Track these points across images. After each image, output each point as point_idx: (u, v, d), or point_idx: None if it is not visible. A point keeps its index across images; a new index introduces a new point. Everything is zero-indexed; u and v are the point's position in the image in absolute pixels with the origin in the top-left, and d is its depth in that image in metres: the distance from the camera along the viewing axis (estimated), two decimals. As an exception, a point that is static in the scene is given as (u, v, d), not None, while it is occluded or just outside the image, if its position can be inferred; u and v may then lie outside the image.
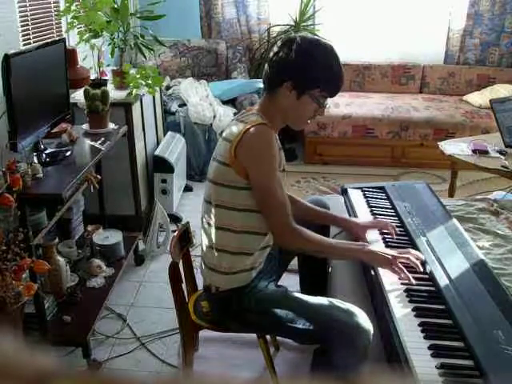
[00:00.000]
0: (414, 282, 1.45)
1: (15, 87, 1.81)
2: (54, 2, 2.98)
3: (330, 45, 1.54)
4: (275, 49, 1.54)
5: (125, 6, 2.84)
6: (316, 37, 1.58)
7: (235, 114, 3.88)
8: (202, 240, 1.65)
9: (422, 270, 1.49)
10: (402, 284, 1.46)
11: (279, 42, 1.56)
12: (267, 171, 1.47)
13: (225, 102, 4.11)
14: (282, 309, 1.51)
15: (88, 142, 2.28)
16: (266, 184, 1.47)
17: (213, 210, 1.56)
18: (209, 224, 1.59)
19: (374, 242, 1.72)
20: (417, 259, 1.51)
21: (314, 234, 1.53)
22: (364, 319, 1.38)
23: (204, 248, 1.63)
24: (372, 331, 1.37)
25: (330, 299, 1.50)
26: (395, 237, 1.74)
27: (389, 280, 1.48)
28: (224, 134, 1.56)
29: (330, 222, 1.83)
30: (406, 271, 1.46)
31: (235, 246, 1.54)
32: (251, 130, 1.46)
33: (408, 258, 1.50)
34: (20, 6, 2.58)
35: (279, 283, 1.72)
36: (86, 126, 2.44)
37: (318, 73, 1.50)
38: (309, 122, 1.61)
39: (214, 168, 1.55)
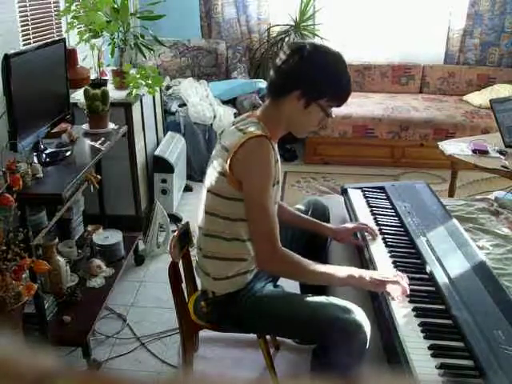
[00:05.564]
0: (400, 304, 1.38)
1: (15, 87, 1.81)
2: (53, 2, 2.98)
3: (339, 53, 1.51)
4: (283, 56, 1.49)
5: (125, 6, 2.84)
6: (325, 45, 1.55)
7: (235, 114, 3.88)
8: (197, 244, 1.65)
9: (405, 300, 1.40)
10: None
11: (286, 48, 1.52)
12: (261, 189, 1.43)
13: (225, 102, 4.10)
14: (279, 309, 1.50)
15: (88, 142, 2.28)
16: (259, 202, 1.43)
17: (206, 217, 1.55)
18: (201, 230, 1.58)
19: (375, 242, 1.73)
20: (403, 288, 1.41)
21: (301, 259, 1.45)
22: (361, 316, 1.37)
23: (198, 253, 1.63)
24: (369, 328, 1.36)
25: (327, 297, 1.49)
26: (378, 237, 1.76)
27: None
28: (222, 142, 1.52)
29: (312, 228, 1.80)
30: (394, 295, 1.39)
31: (228, 252, 1.53)
32: (249, 143, 1.41)
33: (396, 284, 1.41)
34: (20, 6, 2.58)
35: (278, 283, 1.72)
36: (85, 126, 2.44)
37: (328, 83, 1.47)
38: (312, 130, 1.59)
39: (210, 176, 1.52)
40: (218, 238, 1.53)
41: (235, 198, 1.46)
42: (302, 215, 1.82)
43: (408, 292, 1.41)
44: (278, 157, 1.57)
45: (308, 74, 1.46)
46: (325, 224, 1.83)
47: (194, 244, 1.77)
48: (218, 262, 1.55)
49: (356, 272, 1.46)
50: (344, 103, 1.54)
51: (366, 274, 1.46)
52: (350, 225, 1.83)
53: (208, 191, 1.53)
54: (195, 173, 3.83)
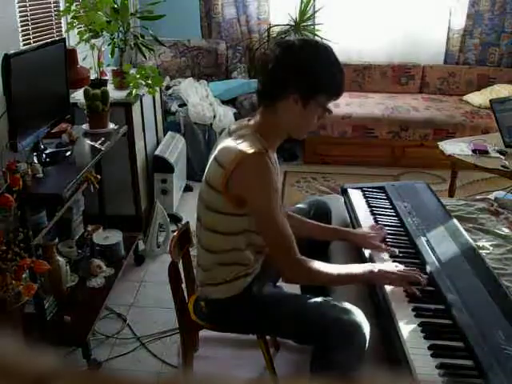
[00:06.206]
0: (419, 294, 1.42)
1: (15, 87, 1.81)
2: (53, 2, 2.98)
3: (329, 46, 1.48)
4: (272, 56, 1.42)
5: (125, 6, 2.84)
6: (312, 38, 1.51)
7: (235, 114, 3.88)
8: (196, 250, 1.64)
9: (425, 283, 1.45)
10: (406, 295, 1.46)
11: (275, 47, 1.44)
12: (268, 205, 1.40)
13: (225, 102, 4.10)
14: (279, 310, 1.50)
15: (88, 142, 2.28)
16: (267, 217, 1.41)
17: (203, 233, 1.54)
18: (199, 243, 1.57)
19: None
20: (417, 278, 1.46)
21: (320, 264, 1.46)
22: (360, 317, 1.38)
23: (197, 261, 1.62)
24: (369, 329, 1.37)
25: (326, 298, 1.49)
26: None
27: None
28: (216, 154, 1.46)
29: (334, 236, 1.78)
30: (413, 288, 1.43)
31: (226, 260, 1.53)
32: (245, 162, 1.37)
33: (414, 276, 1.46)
34: (20, 6, 2.58)
35: (278, 284, 1.72)
36: (85, 126, 2.44)
37: (324, 78, 1.42)
38: (312, 129, 1.55)
39: (205, 191, 1.49)
40: (216, 252, 1.53)
41: (231, 213, 1.44)
42: (323, 225, 1.76)
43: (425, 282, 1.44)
44: (277, 165, 1.54)
45: (303, 71, 1.40)
46: (349, 230, 1.80)
47: (194, 244, 1.77)
48: (216, 269, 1.55)
49: (374, 267, 1.48)
50: (340, 96, 1.48)
51: (384, 267, 1.48)
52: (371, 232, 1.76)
53: (204, 207, 1.51)
54: (195, 173, 3.83)
